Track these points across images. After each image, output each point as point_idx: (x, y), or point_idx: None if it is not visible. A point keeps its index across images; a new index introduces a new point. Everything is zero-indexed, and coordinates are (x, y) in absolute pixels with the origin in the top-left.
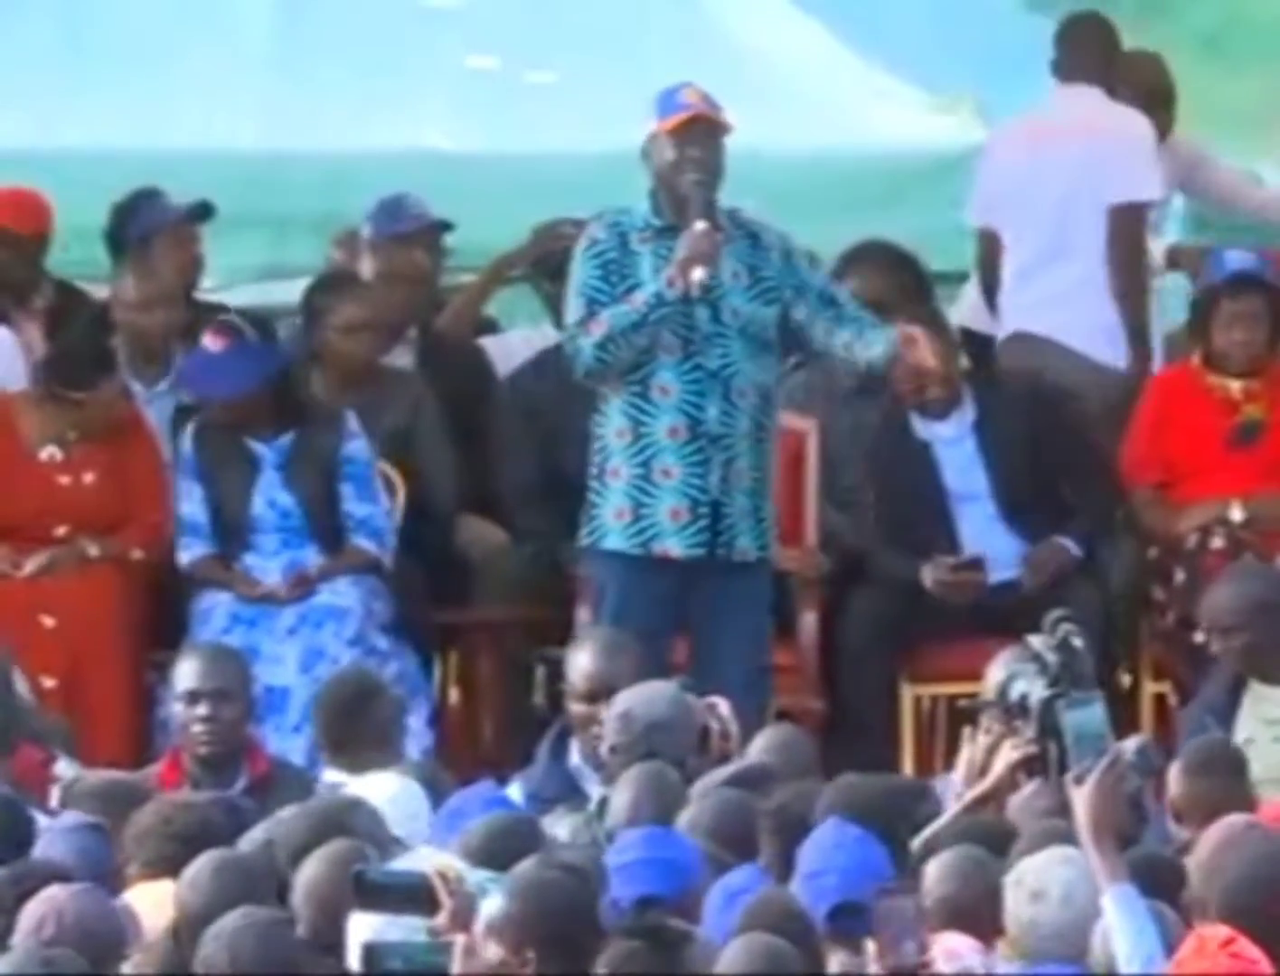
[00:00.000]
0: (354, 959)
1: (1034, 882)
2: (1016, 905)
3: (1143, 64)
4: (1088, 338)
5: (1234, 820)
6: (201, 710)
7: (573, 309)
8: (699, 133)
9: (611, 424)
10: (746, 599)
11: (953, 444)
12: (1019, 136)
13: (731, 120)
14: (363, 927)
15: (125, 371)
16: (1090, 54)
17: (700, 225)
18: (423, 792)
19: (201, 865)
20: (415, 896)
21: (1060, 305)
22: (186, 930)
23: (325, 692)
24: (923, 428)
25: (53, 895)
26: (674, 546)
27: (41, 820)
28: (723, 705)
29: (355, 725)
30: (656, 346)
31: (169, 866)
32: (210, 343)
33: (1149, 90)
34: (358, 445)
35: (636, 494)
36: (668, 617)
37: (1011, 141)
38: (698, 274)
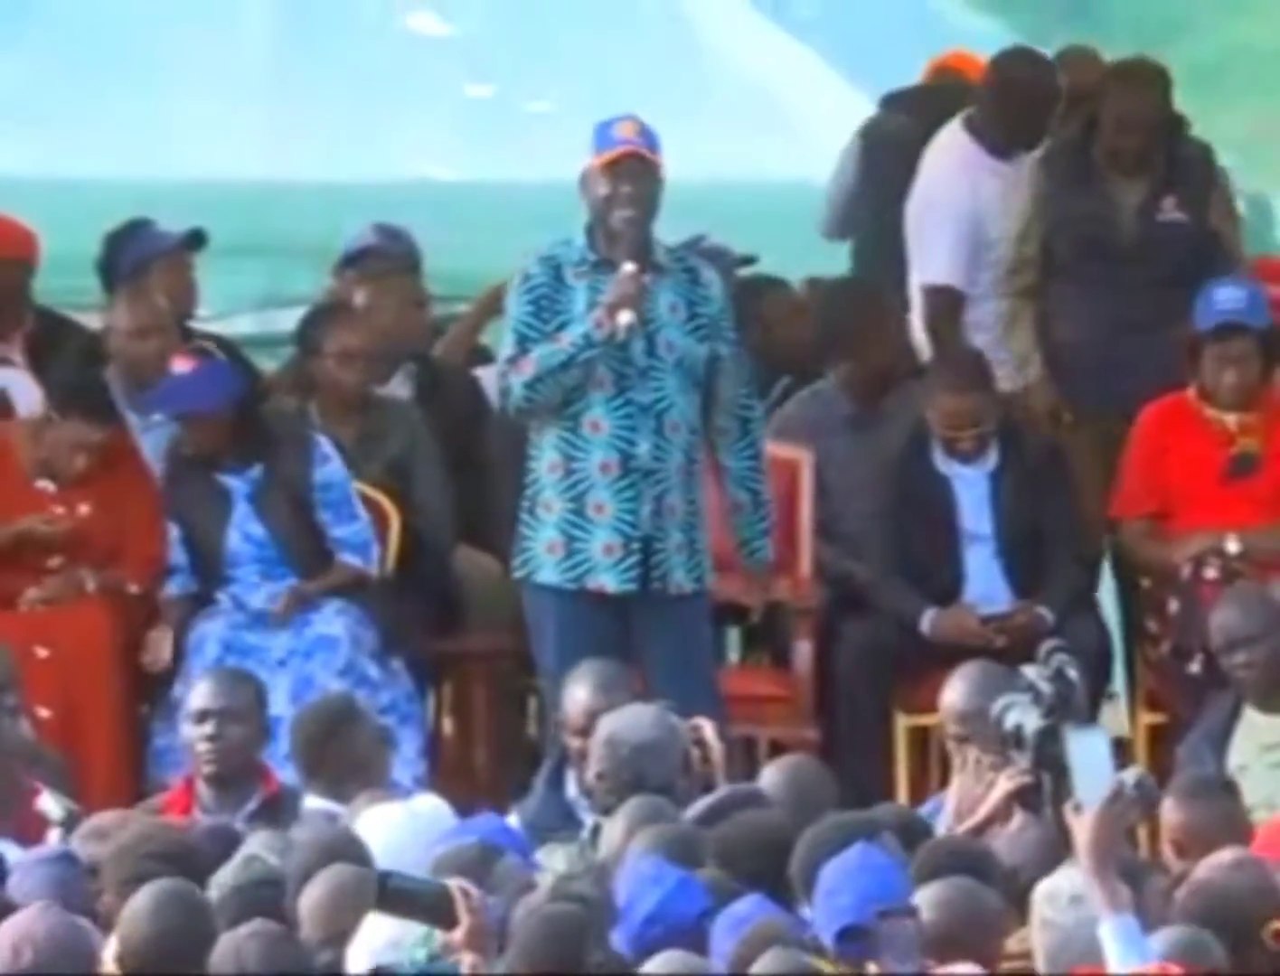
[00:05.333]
0: (354, 962)
1: (1071, 888)
2: (1056, 913)
3: (1073, 62)
4: None
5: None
6: (207, 729)
7: (505, 345)
8: (632, 169)
9: (544, 457)
10: (683, 631)
11: (971, 484)
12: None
13: (667, 156)
14: (373, 932)
15: (120, 401)
16: (987, 92)
17: (628, 268)
18: (450, 813)
19: (143, 897)
20: (436, 907)
21: None
22: (131, 961)
23: (302, 717)
24: (944, 463)
25: (17, 923)
26: (608, 581)
27: (14, 853)
28: (707, 727)
29: (332, 750)
30: (589, 382)
31: (139, 886)
32: (179, 365)
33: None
34: (331, 468)
35: (569, 528)
36: (610, 651)
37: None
38: (624, 318)
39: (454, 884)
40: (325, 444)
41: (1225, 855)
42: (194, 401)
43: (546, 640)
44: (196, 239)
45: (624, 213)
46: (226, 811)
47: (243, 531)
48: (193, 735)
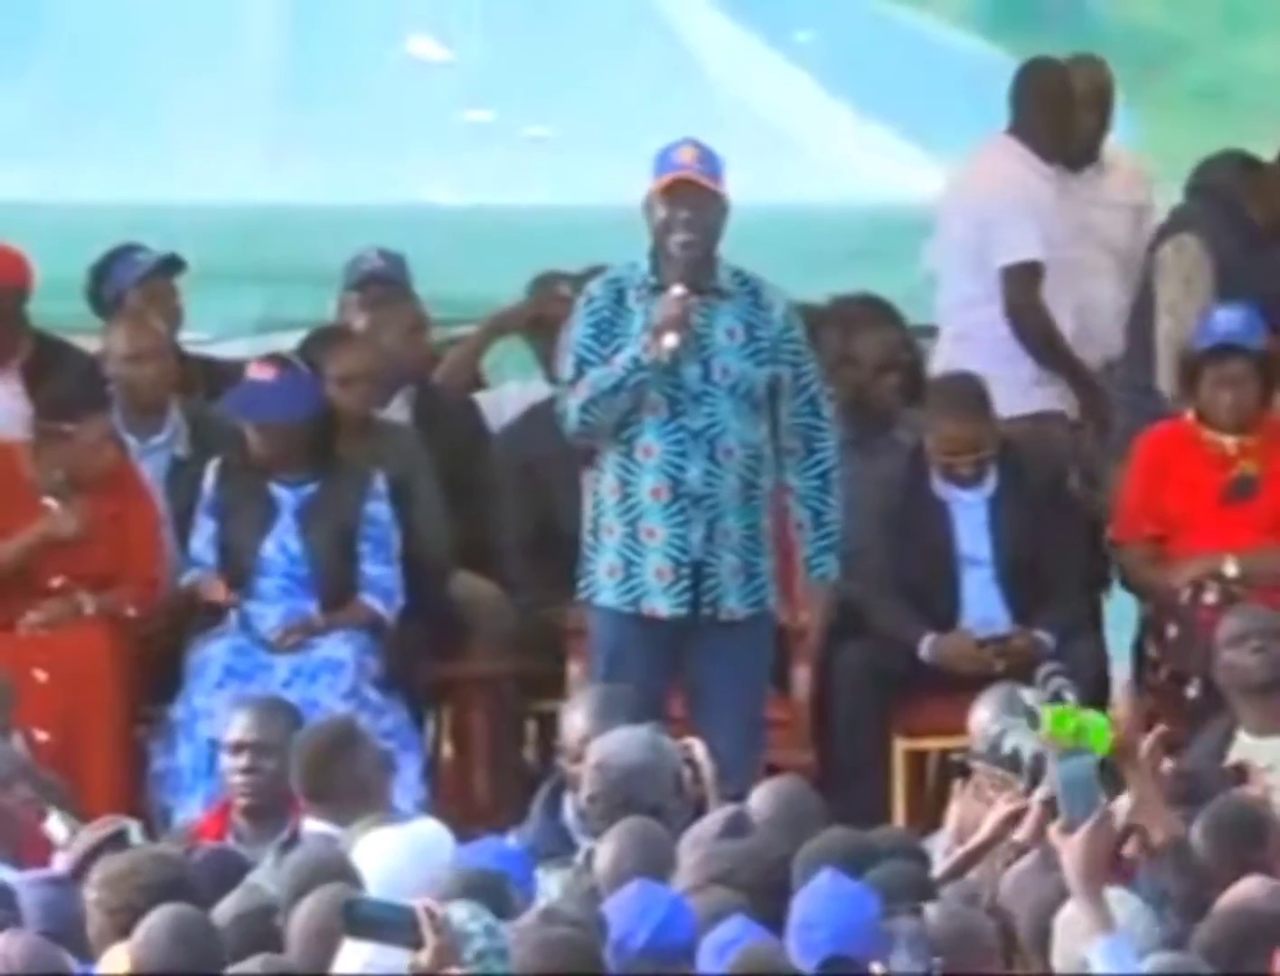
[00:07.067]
0: None
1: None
2: (1071, 943)
3: (1079, 68)
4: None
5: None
6: (242, 761)
7: (565, 367)
8: (688, 194)
9: (605, 481)
10: (736, 656)
11: (969, 508)
12: (953, 178)
13: (726, 180)
14: (353, 958)
15: (119, 426)
16: (1030, 104)
17: (676, 290)
18: (450, 838)
19: (156, 921)
20: (402, 929)
21: (979, 349)
22: None
23: (302, 740)
24: (943, 488)
25: None
26: (661, 606)
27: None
28: (697, 747)
29: (333, 774)
30: (642, 407)
31: (132, 916)
32: (259, 372)
33: (1080, 93)
34: (381, 507)
35: (626, 552)
36: (661, 673)
37: (949, 183)
38: (669, 340)
39: (419, 904)
40: (380, 481)
41: (1253, 885)
42: (275, 411)
43: (598, 659)
44: (173, 264)
45: (679, 238)
46: (261, 840)
47: (280, 542)
48: (228, 766)
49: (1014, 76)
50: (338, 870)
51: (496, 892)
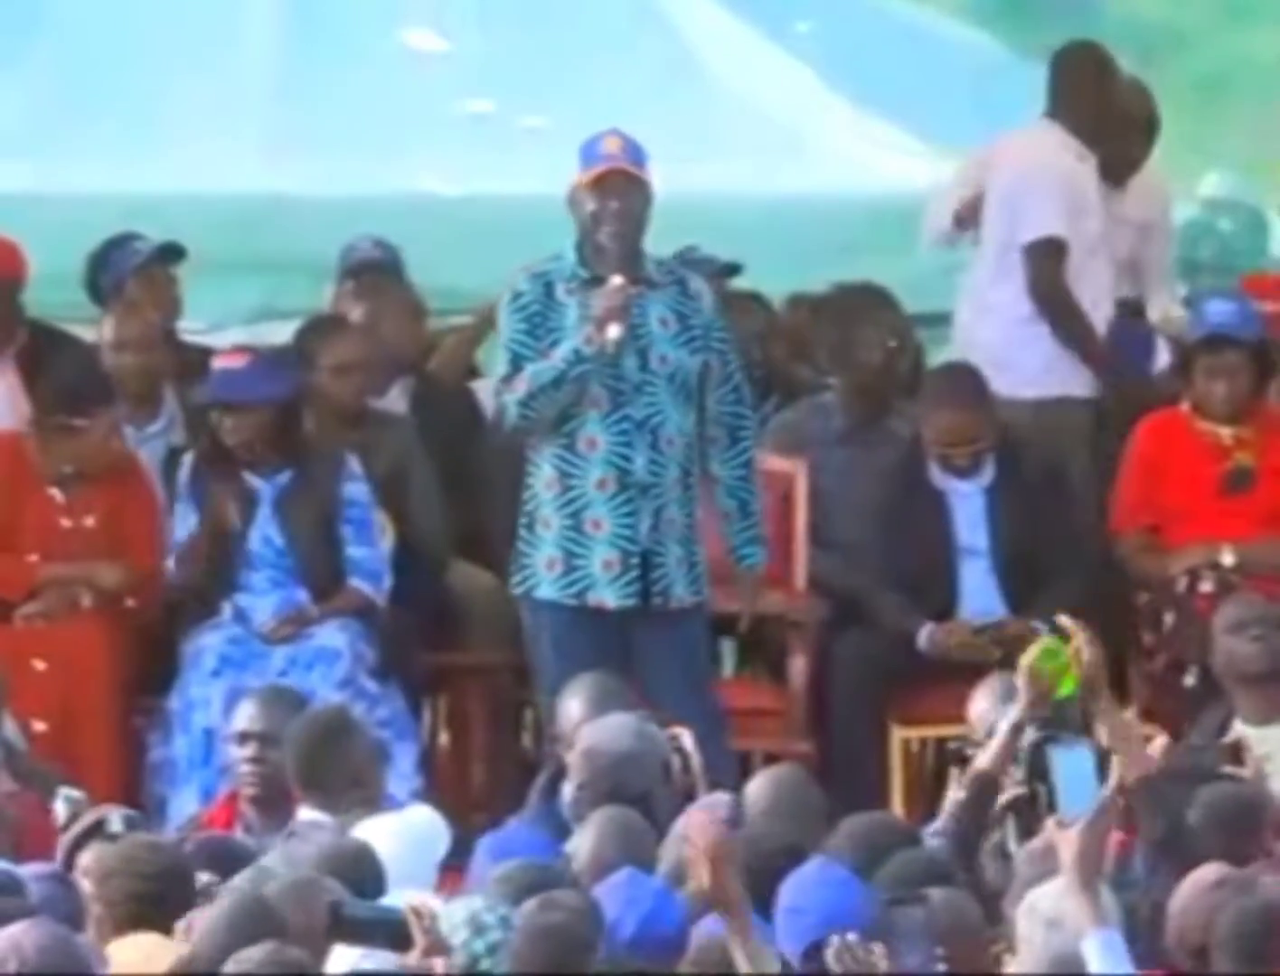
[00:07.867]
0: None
1: (1050, 910)
2: (1032, 932)
3: (1124, 90)
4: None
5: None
6: (248, 751)
7: (500, 363)
8: (617, 184)
9: (542, 474)
10: (684, 644)
11: (966, 498)
12: (984, 160)
13: (654, 171)
14: (343, 962)
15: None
16: (1065, 87)
17: (615, 281)
18: (444, 825)
19: (217, 911)
20: (389, 932)
21: (993, 329)
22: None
23: (297, 729)
24: (940, 478)
25: (10, 934)
26: (608, 597)
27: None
28: (685, 736)
29: (328, 762)
30: (584, 399)
31: (135, 907)
32: (226, 360)
33: (1127, 116)
34: (358, 488)
35: (568, 545)
36: (609, 666)
37: (976, 163)
38: (613, 331)
39: (406, 905)
40: (355, 463)
41: (1209, 873)
42: (238, 391)
43: (545, 655)
44: (172, 252)
45: (610, 228)
46: (269, 830)
47: (263, 534)
48: (235, 756)
49: (1050, 62)
50: (360, 858)
51: (553, 885)
